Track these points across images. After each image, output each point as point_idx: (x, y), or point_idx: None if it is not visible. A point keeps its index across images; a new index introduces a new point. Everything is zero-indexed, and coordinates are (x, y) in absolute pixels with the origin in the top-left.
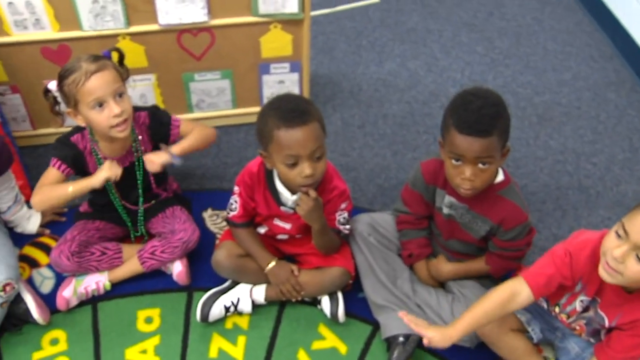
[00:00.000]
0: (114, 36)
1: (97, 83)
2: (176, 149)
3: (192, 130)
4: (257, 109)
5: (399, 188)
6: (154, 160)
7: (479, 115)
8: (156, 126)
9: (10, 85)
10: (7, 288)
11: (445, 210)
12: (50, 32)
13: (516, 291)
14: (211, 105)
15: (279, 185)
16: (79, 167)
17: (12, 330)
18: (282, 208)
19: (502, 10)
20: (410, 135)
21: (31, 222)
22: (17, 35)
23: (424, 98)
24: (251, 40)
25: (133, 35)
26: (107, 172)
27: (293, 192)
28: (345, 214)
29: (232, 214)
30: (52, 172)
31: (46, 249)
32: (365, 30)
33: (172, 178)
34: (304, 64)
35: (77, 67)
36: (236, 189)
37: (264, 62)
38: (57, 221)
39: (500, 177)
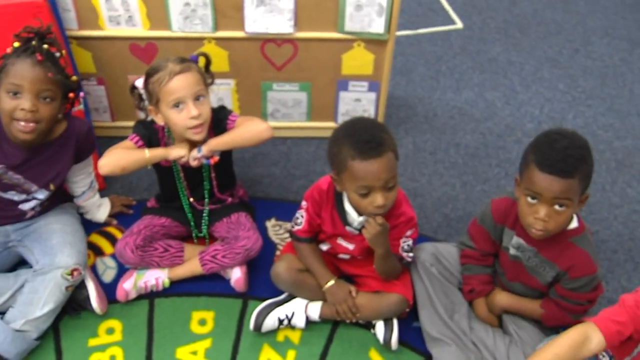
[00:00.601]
0: (200, 39)
1: (179, 84)
2: (212, 142)
3: (239, 125)
4: (330, 124)
5: (464, 220)
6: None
7: (564, 155)
8: (217, 123)
9: (97, 77)
10: (75, 273)
11: (512, 251)
12: (140, 29)
13: (587, 336)
14: (286, 115)
15: (347, 206)
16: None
17: (71, 314)
18: (348, 228)
19: (589, 49)
20: (481, 167)
21: (101, 211)
22: (109, 30)
23: (499, 131)
24: (333, 55)
25: (218, 39)
26: (182, 150)
27: (360, 214)
28: (410, 242)
29: (296, 227)
30: (127, 143)
31: (112, 239)
32: (445, 56)
33: (239, 184)
34: (382, 84)
35: (163, 67)
36: (304, 203)
37: (343, 78)
38: (125, 213)
39: (574, 223)
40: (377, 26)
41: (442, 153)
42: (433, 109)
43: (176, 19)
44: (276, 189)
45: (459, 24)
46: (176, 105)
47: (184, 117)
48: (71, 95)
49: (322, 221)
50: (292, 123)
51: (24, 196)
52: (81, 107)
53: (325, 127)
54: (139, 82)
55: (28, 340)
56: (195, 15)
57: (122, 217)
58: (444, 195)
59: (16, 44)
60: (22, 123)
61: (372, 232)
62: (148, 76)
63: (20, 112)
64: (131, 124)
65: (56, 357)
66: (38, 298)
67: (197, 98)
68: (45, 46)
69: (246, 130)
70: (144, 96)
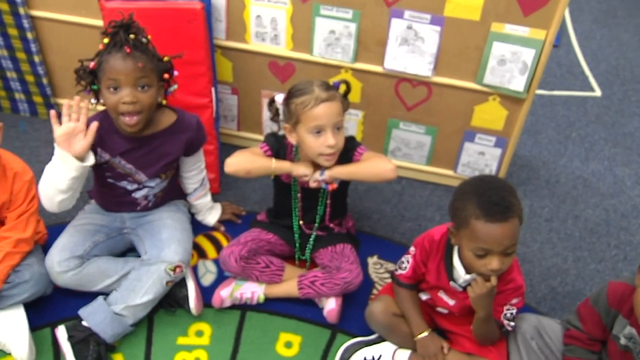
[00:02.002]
0: (338, 67)
1: (323, 111)
2: (336, 170)
3: (366, 159)
4: (449, 172)
5: (572, 296)
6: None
7: None
8: (344, 152)
9: (232, 86)
10: (177, 270)
11: (623, 341)
12: (283, 49)
13: None
14: (406, 155)
15: (456, 261)
16: (276, 149)
17: (168, 309)
18: (452, 283)
19: None
20: (599, 245)
21: (211, 215)
22: (253, 45)
23: (625, 210)
24: (465, 105)
25: (355, 70)
26: (307, 169)
27: (468, 272)
28: (514, 310)
29: (400, 271)
30: (256, 150)
31: (216, 244)
32: (578, 122)
33: (350, 215)
34: (510, 142)
35: (310, 91)
36: (412, 249)
37: (471, 129)
38: (233, 222)
39: None
40: (518, 84)
41: (559, 222)
42: (556, 175)
43: (319, 45)
44: (383, 227)
45: (598, 92)
46: (317, 131)
47: (321, 143)
48: (166, 76)
49: (427, 271)
50: (410, 164)
51: (135, 185)
52: (213, 110)
53: (444, 174)
54: (279, 97)
55: (124, 324)
56: (338, 43)
57: (230, 225)
58: (554, 266)
59: (105, 40)
60: (127, 117)
61: (478, 292)
62: (291, 96)
63: (123, 105)
64: (254, 135)
65: (146, 347)
66: (140, 287)
67: (337, 128)
68: (132, 36)
69: (372, 166)
70: (281, 112)
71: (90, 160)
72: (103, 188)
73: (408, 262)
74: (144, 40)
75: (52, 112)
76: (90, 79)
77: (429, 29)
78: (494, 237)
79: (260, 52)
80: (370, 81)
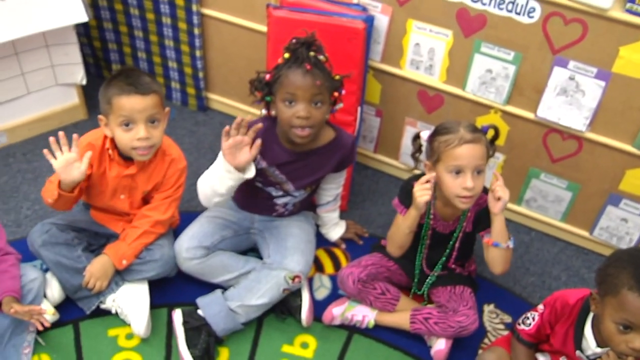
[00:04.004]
0: (488, 107)
1: (466, 152)
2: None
3: None
4: (584, 232)
5: None
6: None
7: None
8: (483, 213)
9: (377, 108)
10: (296, 279)
11: None
12: (435, 80)
13: None
14: (540, 207)
15: (588, 330)
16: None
17: (278, 315)
18: (579, 353)
19: None
20: None
21: (335, 231)
22: (406, 72)
23: None
24: (616, 167)
25: (505, 113)
26: (427, 197)
27: (601, 344)
28: None
29: (522, 327)
30: (398, 218)
31: (335, 260)
32: None
33: (473, 259)
34: None
35: (455, 130)
36: (541, 307)
37: (617, 193)
38: (355, 242)
39: None
40: None
41: None
42: None
43: (473, 81)
44: (505, 276)
45: None
46: (456, 171)
47: (458, 184)
48: (335, 94)
49: (553, 334)
50: (544, 217)
51: (281, 192)
52: (356, 129)
53: (578, 234)
54: (425, 134)
55: (236, 321)
56: (493, 83)
57: (350, 244)
58: None
59: (286, 55)
60: (299, 130)
61: None
62: (437, 133)
63: (297, 119)
64: (389, 160)
65: (251, 348)
66: (258, 288)
67: (477, 171)
68: (312, 54)
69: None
70: (424, 149)
71: (251, 172)
72: (247, 187)
73: (534, 319)
74: (322, 58)
75: (238, 122)
76: (265, 91)
77: (593, 83)
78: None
79: (411, 80)
80: (518, 126)
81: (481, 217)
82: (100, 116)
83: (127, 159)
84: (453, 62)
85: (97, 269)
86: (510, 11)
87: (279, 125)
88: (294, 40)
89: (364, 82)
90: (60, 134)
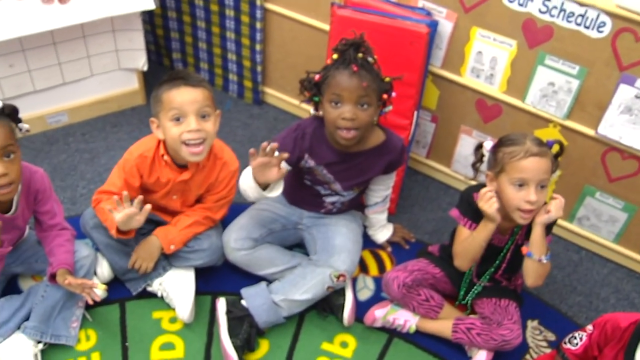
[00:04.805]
0: (547, 120)
1: (531, 165)
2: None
3: None
4: (638, 256)
5: None
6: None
7: None
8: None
9: (433, 114)
10: (341, 278)
11: None
12: (495, 89)
13: None
14: (593, 227)
15: (639, 357)
16: (478, 220)
17: (320, 313)
18: None
19: None
20: None
21: (382, 233)
22: (466, 79)
23: None
24: None
25: (564, 128)
26: (496, 205)
27: None
28: None
29: (569, 346)
30: (464, 232)
31: (379, 263)
32: None
33: (520, 273)
34: None
35: (521, 142)
36: (589, 328)
37: None
38: (401, 246)
39: None
40: None
41: None
42: None
43: (533, 93)
44: (551, 293)
45: None
46: (519, 184)
47: (521, 197)
48: (384, 97)
49: (601, 357)
50: (596, 237)
51: (329, 192)
52: (410, 133)
53: (631, 257)
54: (488, 144)
55: (278, 315)
56: (554, 97)
57: (396, 248)
58: None
59: (335, 56)
60: (344, 131)
61: None
62: (501, 144)
63: (342, 121)
64: (441, 166)
65: (291, 342)
66: (303, 284)
67: (541, 186)
68: (360, 55)
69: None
70: (486, 159)
71: (275, 193)
72: (296, 184)
73: (581, 339)
74: (370, 60)
75: (264, 147)
76: (314, 91)
77: None
78: None
79: (470, 88)
80: (577, 142)
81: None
82: (152, 119)
83: (181, 166)
84: (515, 73)
85: (144, 250)
86: (579, 24)
87: (326, 125)
88: (342, 41)
89: (422, 87)
90: (125, 193)
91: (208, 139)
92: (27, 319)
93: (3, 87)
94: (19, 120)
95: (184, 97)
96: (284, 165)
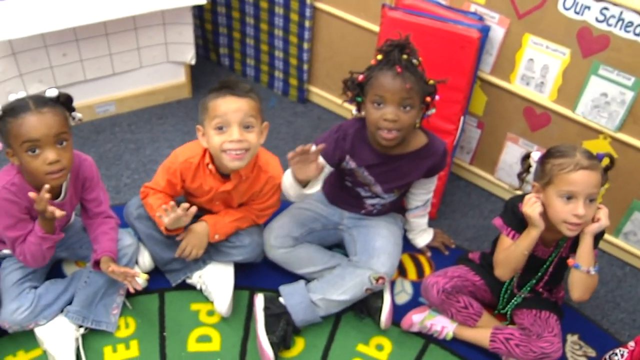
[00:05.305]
0: (597, 132)
1: (581, 178)
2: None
3: None
4: None
5: None
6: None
7: None
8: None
9: (479, 120)
10: (380, 281)
11: None
12: (544, 98)
13: None
14: (639, 242)
15: None
16: (521, 230)
17: (357, 314)
18: None
19: None
20: None
21: (422, 237)
22: (515, 86)
23: None
24: None
25: (615, 140)
26: (540, 208)
27: None
28: None
29: None
30: (506, 242)
31: (418, 267)
32: None
33: (562, 285)
34: None
35: (571, 155)
36: (631, 344)
37: None
38: (441, 251)
39: None
40: None
41: None
42: None
43: (585, 103)
44: (593, 308)
45: None
46: (568, 197)
47: (569, 210)
48: (428, 99)
49: None
50: None
51: (369, 194)
52: (455, 138)
53: None
54: (536, 155)
55: (315, 314)
56: (607, 108)
57: (435, 253)
58: None
59: (379, 57)
60: (385, 132)
61: None
62: (550, 155)
63: (384, 122)
64: (484, 173)
65: (327, 342)
66: (341, 284)
67: (590, 199)
68: (405, 57)
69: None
70: (532, 169)
71: (313, 190)
72: (337, 184)
73: (622, 356)
74: (415, 61)
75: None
76: (357, 91)
77: None
78: None
79: (519, 95)
80: (628, 155)
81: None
82: (198, 126)
83: (224, 176)
84: (566, 82)
85: (194, 237)
86: (638, 35)
87: (368, 126)
88: (387, 42)
89: (470, 93)
90: (172, 204)
91: (251, 150)
92: (69, 303)
93: (56, 75)
94: (73, 109)
95: (229, 106)
96: (322, 162)
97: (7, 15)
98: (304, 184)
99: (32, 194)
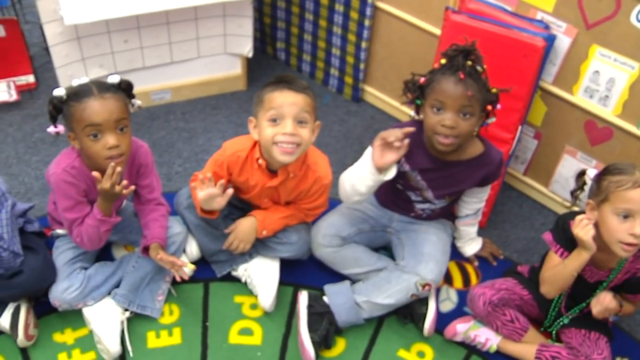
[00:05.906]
0: None
1: (639, 197)
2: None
3: None
4: None
5: None
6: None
7: None
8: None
9: (537, 130)
10: (426, 287)
11: None
12: (608, 112)
13: None
14: None
15: None
16: (571, 249)
17: (400, 319)
18: None
19: None
20: None
21: (471, 246)
22: (578, 98)
23: None
24: None
25: None
26: (592, 232)
27: None
28: None
29: None
30: (555, 259)
31: (465, 276)
32: None
33: None
34: None
35: (630, 172)
36: None
37: None
38: (489, 262)
39: None
40: None
41: None
42: None
43: None
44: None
45: None
46: (624, 215)
47: (625, 229)
48: (488, 108)
49: None
50: None
51: (420, 198)
52: (511, 148)
53: None
54: (592, 172)
55: (358, 316)
56: None
57: (483, 263)
58: None
59: (443, 61)
60: (442, 137)
61: None
62: (607, 172)
63: (441, 127)
64: (538, 185)
65: (367, 345)
66: (387, 288)
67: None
68: (469, 63)
69: None
70: (587, 187)
71: (391, 174)
72: (388, 186)
73: None
74: (479, 68)
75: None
76: (417, 93)
77: None
78: None
79: (581, 107)
80: None
81: (633, 283)
82: (250, 118)
83: (272, 171)
84: (633, 97)
85: (242, 232)
86: None
87: (425, 130)
88: (453, 47)
89: (530, 102)
90: (209, 174)
91: (302, 145)
92: (117, 286)
93: (116, 61)
94: (133, 96)
95: (285, 99)
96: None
97: (73, 1)
98: (381, 170)
99: (95, 173)
